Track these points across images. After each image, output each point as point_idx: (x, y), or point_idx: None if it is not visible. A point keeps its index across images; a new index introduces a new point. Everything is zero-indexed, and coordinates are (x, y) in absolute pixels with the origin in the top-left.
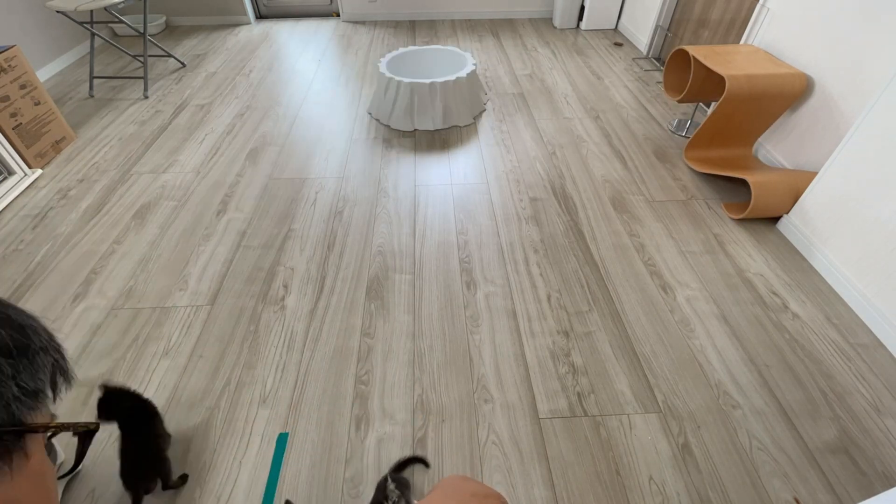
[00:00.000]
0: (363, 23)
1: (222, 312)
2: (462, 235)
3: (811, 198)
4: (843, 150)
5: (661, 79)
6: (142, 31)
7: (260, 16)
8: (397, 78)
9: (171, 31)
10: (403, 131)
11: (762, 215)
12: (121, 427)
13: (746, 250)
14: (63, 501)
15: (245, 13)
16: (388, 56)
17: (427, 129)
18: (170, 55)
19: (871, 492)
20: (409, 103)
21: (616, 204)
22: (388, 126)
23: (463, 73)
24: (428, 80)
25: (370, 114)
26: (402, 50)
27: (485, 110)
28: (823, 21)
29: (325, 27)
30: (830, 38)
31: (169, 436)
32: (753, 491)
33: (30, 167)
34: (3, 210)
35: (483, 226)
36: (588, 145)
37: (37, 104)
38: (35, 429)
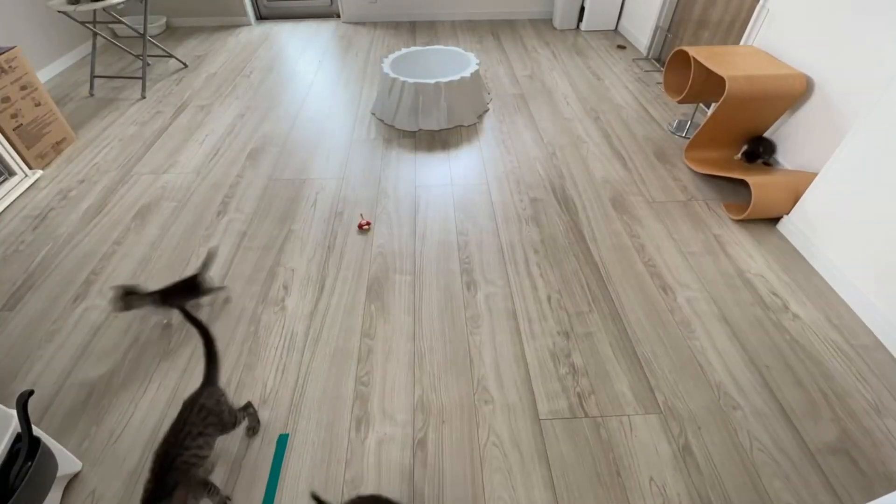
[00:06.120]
0: (363, 24)
1: (222, 313)
2: (462, 236)
3: (811, 199)
4: (843, 151)
5: (661, 79)
6: (141, 31)
7: (260, 17)
8: (402, 78)
9: (172, 32)
10: (404, 132)
11: (762, 216)
12: None
13: (747, 251)
14: (63, 501)
15: (245, 14)
16: (392, 56)
17: (431, 129)
18: (171, 56)
19: (872, 492)
20: (413, 103)
21: (616, 204)
22: (392, 126)
23: (467, 73)
24: (433, 81)
25: (374, 114)
26: (404, 50)
27: (488, 110)
28: (823, 22)
29: (325, 28)
30: (830, 39)
31: None
32: (754, 492)
33: (30, 168)
34: (3, 211)
35: (483, 226)
36: (588, 146)
37: (37, 105)
38: None
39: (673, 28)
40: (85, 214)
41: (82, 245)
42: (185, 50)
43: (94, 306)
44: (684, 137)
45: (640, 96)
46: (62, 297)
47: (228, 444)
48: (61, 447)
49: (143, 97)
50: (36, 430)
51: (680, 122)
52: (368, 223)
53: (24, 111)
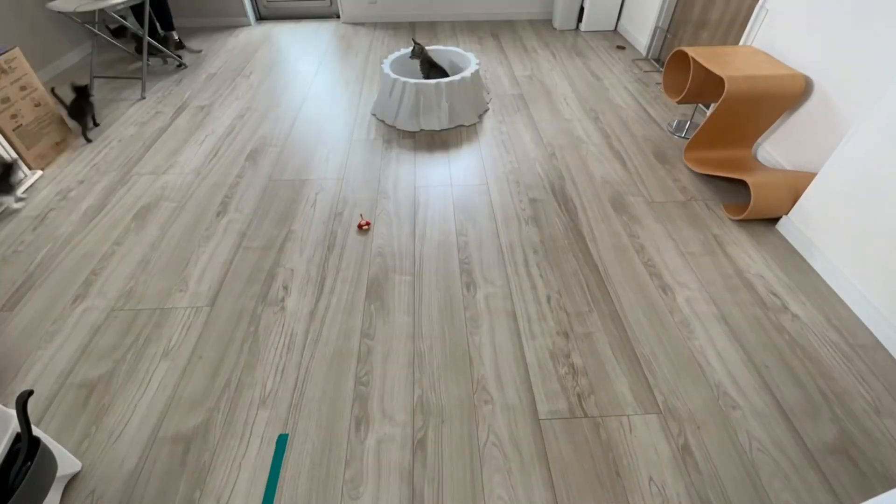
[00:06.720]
0: (363, 24)
1: (222, 313)
2: (462, 236)
3: (810, 198)
4: (842, 151)
5: (660, 80)
6: (141, 32)
7: (260, 17)
8: (402, 79)
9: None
10: (403, 132)
11: (762, 216)
12: None
13: (746, 251)
14: (63, 501)
15: (245, 15)
16: (391, 57)
17: (432, 130)
18: (171, 56)
19: (872, 492)
20: (414, 104)
21: (616, 205)
22: (393, 127)
23: (468, 73)
24: (434, 81)
25: (374, 115)
26: (404, 50)
27: (488, 109)
28: (822, 22)
29: (325, 29)
30: (829, 40)
31: None
32: (754, 492)
33: (30, 168)
34: (3, 211)
35: (483, 227)
36: (588, 146)
37: (37, 105)
38: None
39: (672, 28)
40: (85, 215)
41: (82, 245)
42: (185, 50)
43: (93, 306)
44: (683, 138)
45: (639, 97)
46: (62, 298)
47: (228, 443)
48: (61, 447)
49: (143, 97)
50: (35, 430)
51: (679, 122)
52: (368, 223)
53: (23, 112)
